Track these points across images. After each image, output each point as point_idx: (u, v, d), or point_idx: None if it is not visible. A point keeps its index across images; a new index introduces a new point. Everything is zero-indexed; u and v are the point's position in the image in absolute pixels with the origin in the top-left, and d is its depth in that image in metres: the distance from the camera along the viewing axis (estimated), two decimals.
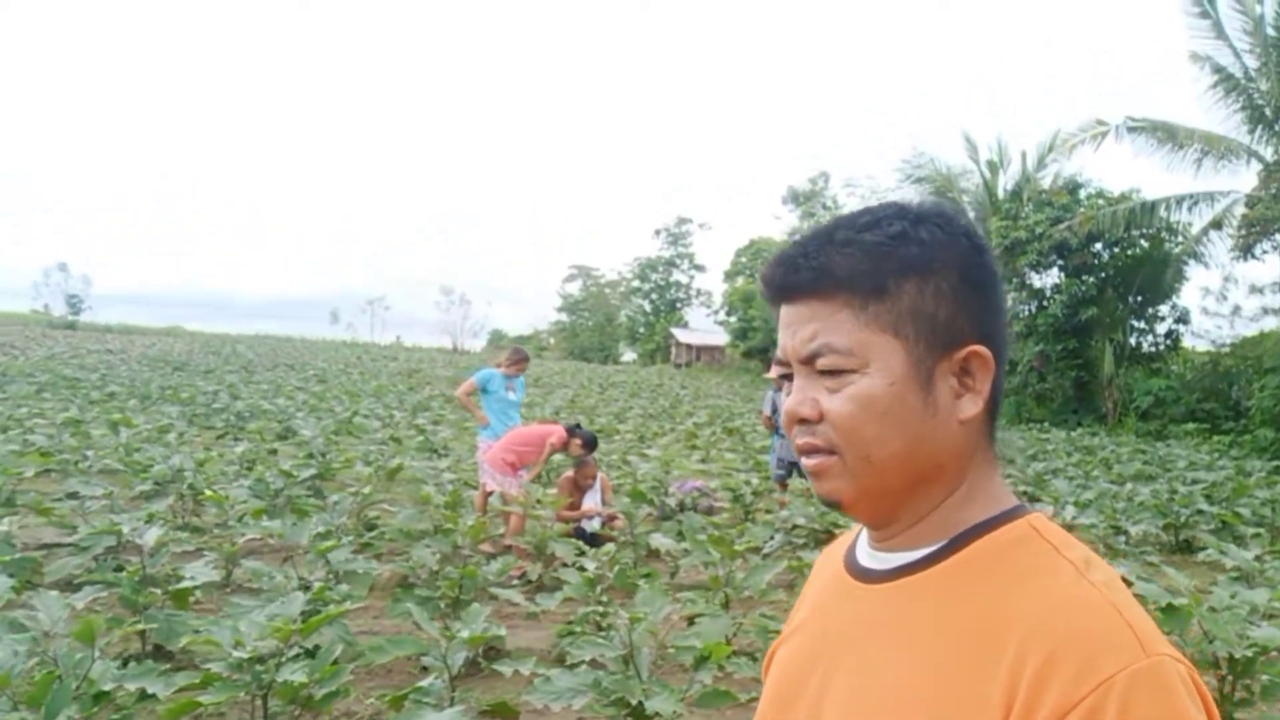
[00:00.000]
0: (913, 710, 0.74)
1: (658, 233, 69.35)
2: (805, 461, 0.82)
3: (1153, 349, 24.55)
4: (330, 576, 4.64)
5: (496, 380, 7.37)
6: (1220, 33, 19.58)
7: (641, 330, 69.78)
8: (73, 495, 6.76)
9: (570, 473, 7.00)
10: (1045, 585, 0.74)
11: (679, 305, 68.46)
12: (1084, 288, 23.39)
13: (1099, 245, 23.72)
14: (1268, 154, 19.47)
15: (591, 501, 6.95)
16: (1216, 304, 24.13)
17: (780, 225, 51.46)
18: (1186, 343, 25.28)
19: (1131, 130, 21.37)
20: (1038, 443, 16.99)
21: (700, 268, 68.53)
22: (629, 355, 74.90)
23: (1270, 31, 18.54)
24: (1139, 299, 23.76)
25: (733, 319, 51.40)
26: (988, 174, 29.00)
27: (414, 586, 5.11)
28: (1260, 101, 19.50)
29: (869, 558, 0.88)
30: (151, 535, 4.47)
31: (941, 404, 0.80)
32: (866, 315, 0.79)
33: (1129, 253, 23.48)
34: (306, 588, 4.58)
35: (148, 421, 11.99)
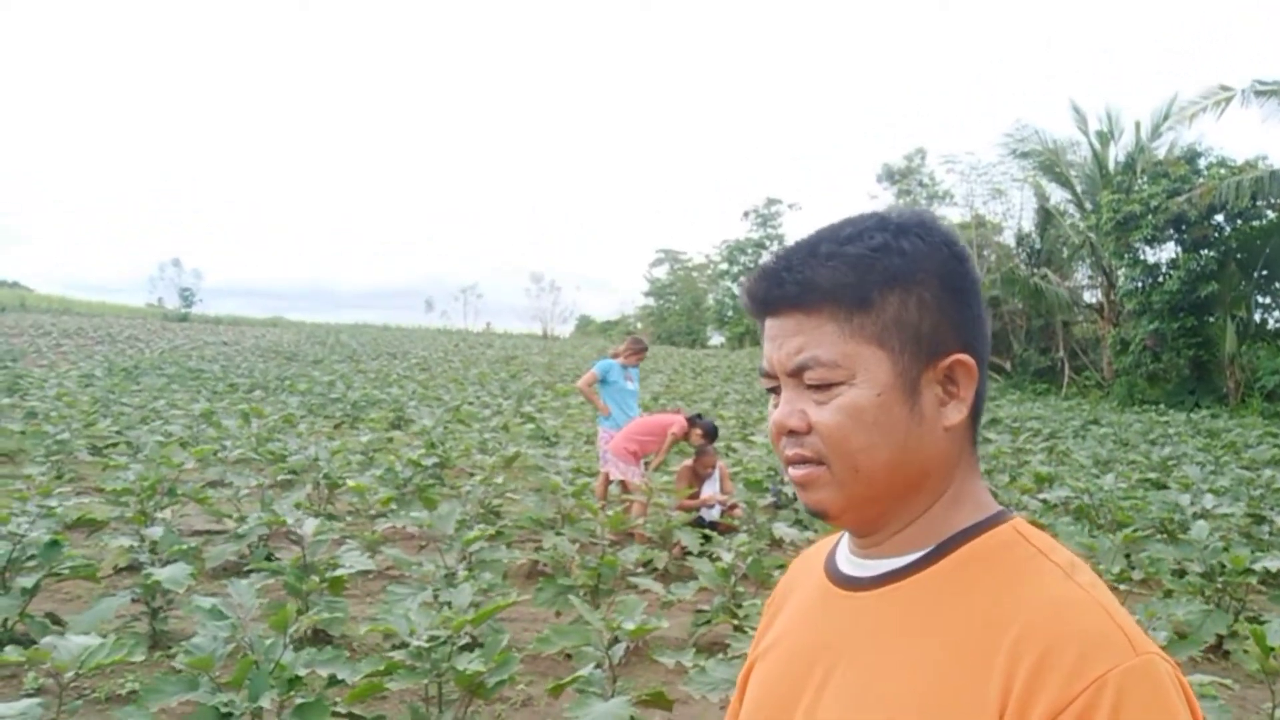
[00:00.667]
0: (910, 715, 0.74)
1: (746, 214, 68.81)
2: (793, 472, 0.83)
3: (1278, 326, 23.22)
4: (469, 565, 4.79)
5: (615, 371, 7.48)
6: None
7: (730, 314, 69.37)
8: (216, 483, 7.14)
9: (690, 462, 7.06)
10: (1034, 588, 0.75)
11: None
12: (1203, 262, 22.27)
13: (1220, 217, 22.52)
14: None
15: (710, 490, 7.00)
16: None
17: (877, 204, 50.33)
18: None
19: (1260, 94, 20.20)
20: (1157, 425, 16.27)
21: None
22: (716, 339, 74.60)
23: None
24: (1264, 273, 22.47)
25: None
26: (1098, 145, 27.82)
27: (548, 575, 5.23)
28: None
29: (852, 565, 0.88)
30: (310, 525, 4.71)
31: (927, 412, 0.81)
32: (851, 327, 0.80)
33: (1254, 224, 22.23)
34: (450, 575, 4.76)
35: (273, 411, 12.56)
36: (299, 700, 3.08)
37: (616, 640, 3.38)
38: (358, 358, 27.72)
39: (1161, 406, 22.44)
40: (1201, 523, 5.42)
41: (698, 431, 6.99)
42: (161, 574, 4.29)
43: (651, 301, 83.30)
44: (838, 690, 0.81)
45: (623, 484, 7.25)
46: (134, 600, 4.44)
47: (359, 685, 3.08)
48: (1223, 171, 22.54)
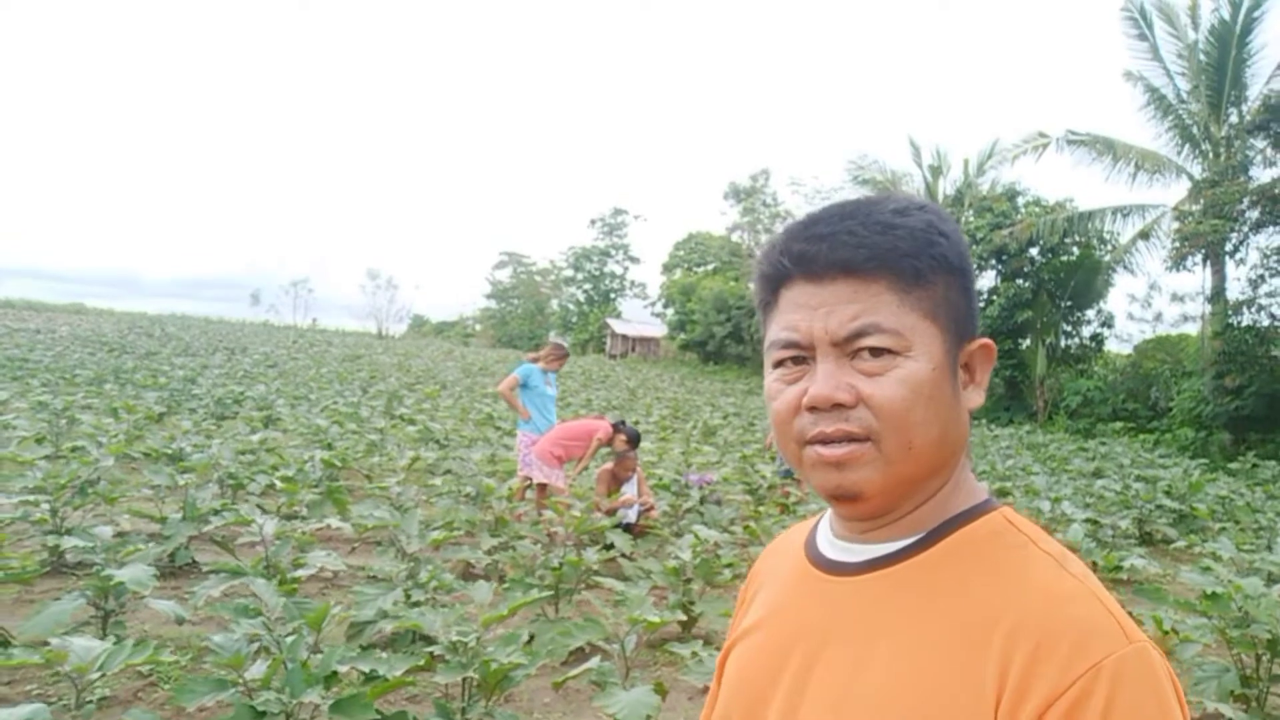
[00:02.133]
0: (903, 703, 0.73)
1: (593, 222, 69.46)
2: (826, 451, 0.78)
3: (1079, 351, 25.93)
4: (413, 563, 4.85)
5: (536, 375, 7.60)
6: (1156, 55, 20.84)
7: (575, 320, 69.79)
8: (120, 482, 6.74)
9: (610, 465, 7.29)
10: (1027, 577, 0.75)
11: (613, 296, 68.72)
12: (1019, 291, 24.60)
13: (1034, 251, 24.95)
14: (1195, 171, 20.83)
15: (629, 493, 7.25)
16: (1141, 310, 25.74)
17: (724, 220, 52.14)
18: (1109, 346, 26.86)
19: (1071, 143, 22.56)
20: (988, 438, 17.87)
21: (635, 259, 68.92)
22: None
23: (1201, 57, 19.82)
24: (1069, 303, 25.06)
25: (669, 311, 51.97)
26: (930, 178, 30.18)
27: (504, 575, 5.33)
28: (1189, 122, 20.83)
29: (836, 550, 0.86)
30: (271, 525, 4.62)
31: (960, 394, 0.81)
32: (910, 299, 0.78)
33: (1062, 259, 24.75)
34: (413, 576, 4.80)
35: (133, 406, 11.77)
36: (335, 697, 3.11)
37: (628, 633, 3.59)
38: (194, 351, 26.10)
39: (981, 421, 24.57)
40: (1076, 525, 6.20)
41: (622, 437, 7.23)
42: (123, 574, 4.11)
43: (493, 304, 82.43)
44: (824, 679, 0.79)
45: (540, 486, 7.39)
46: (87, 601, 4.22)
47: (391, 680, 3.14)
48: (1037, 210, 25.06)
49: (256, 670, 3.17)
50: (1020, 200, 26.04)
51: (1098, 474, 12.57)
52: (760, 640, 0.89)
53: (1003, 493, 9.84)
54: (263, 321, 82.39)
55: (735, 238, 48.19)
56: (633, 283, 69.04)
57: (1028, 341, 25.84)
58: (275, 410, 12.90)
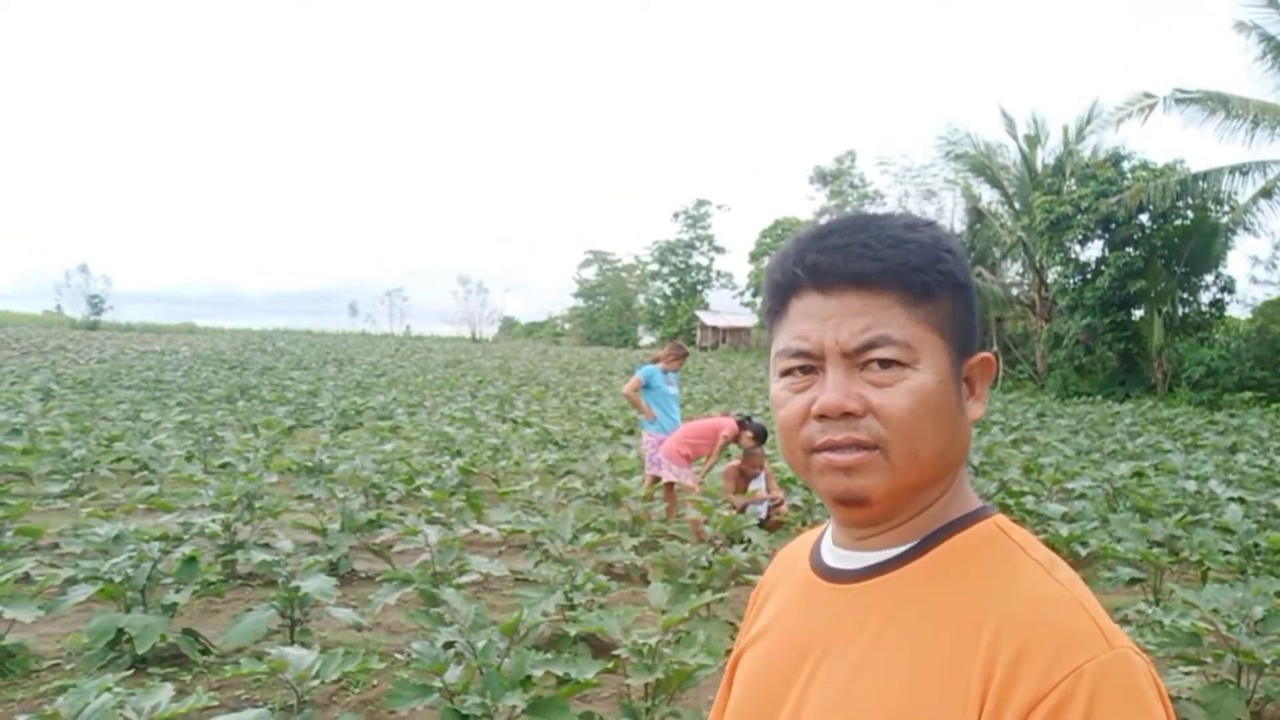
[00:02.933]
0: (894, 706, 0.76)
1: (676, 215, 69.35)
2: (836, 457, 0.80)
3: (1198, 319, 24.72)
4: (595, 567, 4.98)
5: (658, 376, 7.70)
6: (1271, 0, 19.68)
7: (662, 314, 69.92)
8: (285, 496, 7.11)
9: (737, 462, 7.34)
10: (1014, 584, 0.77)
11: (700, 288, 68.59)
12: (1130, 260, 23.57)
13: (1144, 217, 23.89)
14: None
15: (757, 488, 7.29)
16: (1266, 271, 24.40)
17: (812, 205, 51.46)
18: (1230, 311, 25.53)
19: (1180, 101, 21.49)
20: (1109, 415, 17.23)
21: (720, 249, 68.60)
22: (647, 339, 75.15)
23: None
24: (1185, 269, 23.92)
25: (759, 300, 51.64)
26: (1026, 148, 29.14)
27: (655, 574, 5.44)
28: None
29: (837, 558, 0.89)
30: (435, 534, 4.83)
31: (962, 405, 0.84)
32: (919, 313, 0.80)
33: (1175, 223, 23.63)
34: (572, 576, 4.93)
35: (260, 421, 12.38)
36: (527, 700, 3.24)
37: None
38: (306, 364, 27.20)
39: (1097, 397, 23.69)
40: (1235, 506, 5.96)
41: (748, 434, 7.27)
42: (309, 585, 4.37)
43: (580, 302, 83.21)
44: (823, 685, 0.82)
45: (667, 485, 7.49)
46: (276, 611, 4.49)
47: (583, 682, 3.27)
48: (1145, 174, 23.94)
49: (453, 675, 3.34)
50: (1126, 165, 24.91)
51: (1234, 449, 12.01)
52: (768, 647, 0.92)
53: (1138, 473, 9.50)
54: (360, 331, 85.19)
55: (823, 221, 47.57)
56: (719, 273, 68.77)
57: (1141, 312, 24.77)
58: (395, 419, 13.36)
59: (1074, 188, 25.22)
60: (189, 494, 6.52)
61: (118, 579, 4.21)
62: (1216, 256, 23.71)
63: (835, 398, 0.79)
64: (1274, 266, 24.76)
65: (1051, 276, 27.87)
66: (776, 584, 1.00)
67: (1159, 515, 6.33)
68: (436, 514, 7.28)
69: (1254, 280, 24.96)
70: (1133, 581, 5.56)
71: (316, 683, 3.19)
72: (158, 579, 4.48)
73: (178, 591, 4.45)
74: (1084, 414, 18.00)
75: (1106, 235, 24.50)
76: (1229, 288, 24.66)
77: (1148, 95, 22.80)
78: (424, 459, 9.65)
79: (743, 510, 6.87)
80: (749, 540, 6.29)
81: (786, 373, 0.84)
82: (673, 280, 70.38)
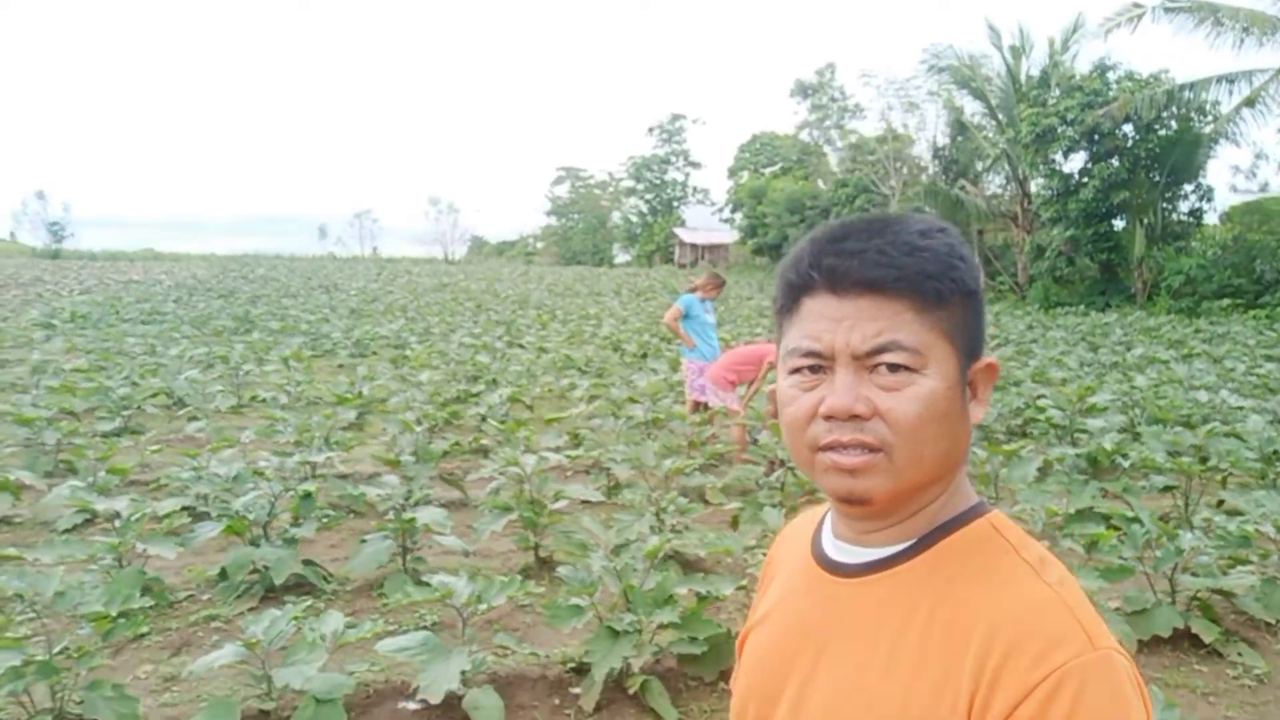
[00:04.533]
0: (894, 701, 0.79)
1: (651, 130, 68.48)
2: (841, 459, 0.82)
3: (1178, 228, 25.17)
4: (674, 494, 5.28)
5: (696, 305, 7.92)
6: None
7: (638, 231, 69.55)
8: (352, 427, 7.28)
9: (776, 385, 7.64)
10: (1005, 585, 0.80)
11: (676, 204, 68.15)
12: (1114, 171, 23.83)
13: (1128, 128, 24.07)
14: None
15: None
16: (1246, 180, 24.83)
17: (794, 119, 50.90)
18: (1208, 220, 26.00)
19: (1169, 10, 21.50)
20: (1101, 327, 17.72)
21: (696, 164, 68.04)
22: (622, 258, 74.85)
23: None
24: (1167, 180, 24.23)
25: (738, 216, 51.56)
26: (1010, 60, 29.04)
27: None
28: None
29: (838, 551, 0.91)
30: (531, 462, 5.10)
31: (966, 409, 0.86)
32: (930, 319, 0.81)
33: (1160, 133, 23.85)
34: (658, 500, 5.24)
35: (277, 352, 12.50)
36: (678, 615, 3.55)
37: None
38: (293, 292, 27.03)
39: (1079, 307, 24.25)
40: (1254, 417, 6.38)
41: None
42: (423, 516, 4.64)
43: (553, 221, 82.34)
44: (826, 681, 0.86)
45: (708, 408, 7.80)
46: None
47: (723, 596, 3.59)
48: (1130, 85, 24.02)
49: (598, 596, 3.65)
50: (1112, 76, 24.96)
51: (1223, 358, 12.49)
52: (771, 632, 0.95)
53: (1154, 386, 9.96)
54: (329, 255, 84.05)
55: (804, 136, 47.17)
56: (695, 189, 68.34)
57: (1122, 223, 25.18)
58: (411, 347, 13.52)
59: (1059, 99, 25.28)
60: (239, 429, 6.70)
61: (250, 516, 4.45)
62: (1198, 166, 24.05)
63: (844, 400, 0.81)
64: (1253, 175, 25.21)
65: (1034, 188, 28.17)
66: (781, 564, 1.03)
67: (1189, 426, 6.74)
68: (486, 441, 7.57)
69: (1234, 189, 25.42)
70: (1165, 489, 5.99)
71: (484, 606, 3.48)
72: (276, 514, 4.72)
73: (298, 525, 4.70)
74: (1073, 325, 18.52)
75: (1091, 147, 24.71)
76: (1208, 196, 25.08)
77: (1136, 4, 22.73)
78: (460, 387, 9.86)
79: None
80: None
81: (795, 370, 0.85)
82: (648, 197, 69.84)
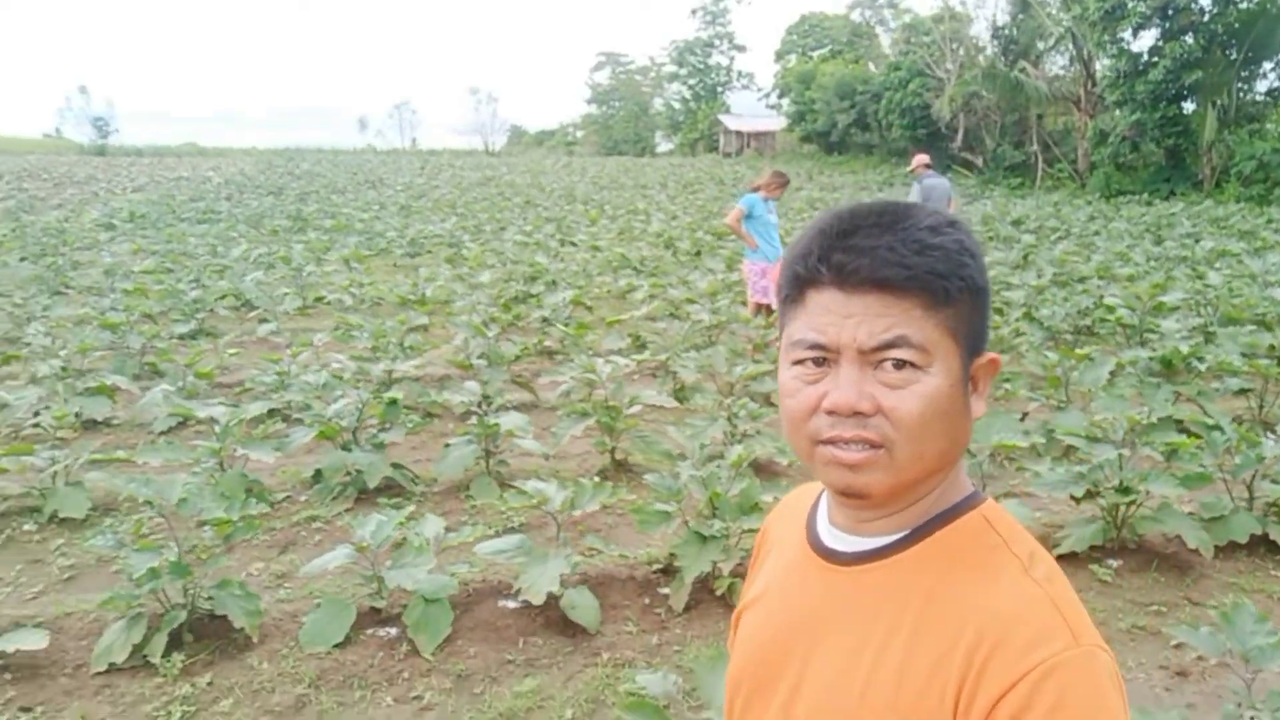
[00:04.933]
0: (888, 689, 0.81)
1: (694, 12, 66.01)
2: (842, 454, 0.82)
3: (1253, 110, 23.95)
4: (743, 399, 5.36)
5: (759, 205, 7.82)
6: None
7: (681, 119, 67.94)
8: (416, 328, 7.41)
9: None
10: (995, 580, 0.82)
11: (720, 90, 66.23)
12: (1188, 50, 22.59)
13: (1205, 1, 22.72)
14: None
15: None
16: None
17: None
18: None
19: None
20: (1167, 217, 17.17)
21: (740, 48, 65.96)
22: (665, 146, 73.38)
23: None
24: (1250, 55, 22.89)
25: (785, 102, 50.04)
26: None
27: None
28: None
29: (833, 538, 0.92)
30: (606, 369, 5.20)
31: (968, 405, 0.86)
32: (938, 317, 0.82)
33: (1240, 7, 22.46)
34: (729, 406, 5.33)
35: (335, 252, 12.67)
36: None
37: None
38: (341, 188, 27.09)
39: (1143, 195, 23.43)
40: None
41: None
42: (506, 421, 4.79)
43: (594, 109, 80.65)
44: (819, 669, 0.88)
45: (769, 309, 7.80)
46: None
47: None
48: None
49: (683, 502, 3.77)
50: None
51: None
52: (764, 616, 0.97)
53: (1226, 284, 9.71)
54: (368, 147, 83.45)
55: (855, 16, 45.16)
56: (740, 74, 66.38)
57: (1192, 105, 24.00)
58: (465, 246, 13.59)
59: None
60: (310, 331, 6.88)
61: (343, 421, 4.63)
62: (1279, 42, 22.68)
63: (848, 396, 0.81)
64: None
65: (1100, 69, 26.87)
66: (777, 541, 1.04)
67: (1265, 325, 6.61)
68: (549, 344, 7.69)
69: None
70: (1240, 392, 5.94)
71: (577, 512, 3.63)
72: (365, 420, 4.90)
73: (386, 430, 4.88)
74: (1138, 216, 17.95)
75: (1163, 23, 23.38)
76: None
77: None
78: (518, 288, 9.93)
79: None
80: None
81: (798, 361, 0.85)
82: (691, 83, 67.94)
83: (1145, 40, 24.40)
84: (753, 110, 60.10)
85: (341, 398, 4.75)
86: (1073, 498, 4.08)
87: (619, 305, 9.71)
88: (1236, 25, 22.45)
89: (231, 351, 7.30)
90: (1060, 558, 3.99)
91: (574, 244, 14.51)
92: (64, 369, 6.46)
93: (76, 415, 5.66)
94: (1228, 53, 22.87)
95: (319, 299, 9.92)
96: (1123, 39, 24.36)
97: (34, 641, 3.12)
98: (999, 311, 8.63)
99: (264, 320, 8.82)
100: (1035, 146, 30.79)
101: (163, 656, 3.19)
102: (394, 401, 4.92)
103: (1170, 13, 22.90)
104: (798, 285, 0.85)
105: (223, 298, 9.67)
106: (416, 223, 16.53)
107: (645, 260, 11.79)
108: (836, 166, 39.05)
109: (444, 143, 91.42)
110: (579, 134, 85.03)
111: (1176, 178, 24.53)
